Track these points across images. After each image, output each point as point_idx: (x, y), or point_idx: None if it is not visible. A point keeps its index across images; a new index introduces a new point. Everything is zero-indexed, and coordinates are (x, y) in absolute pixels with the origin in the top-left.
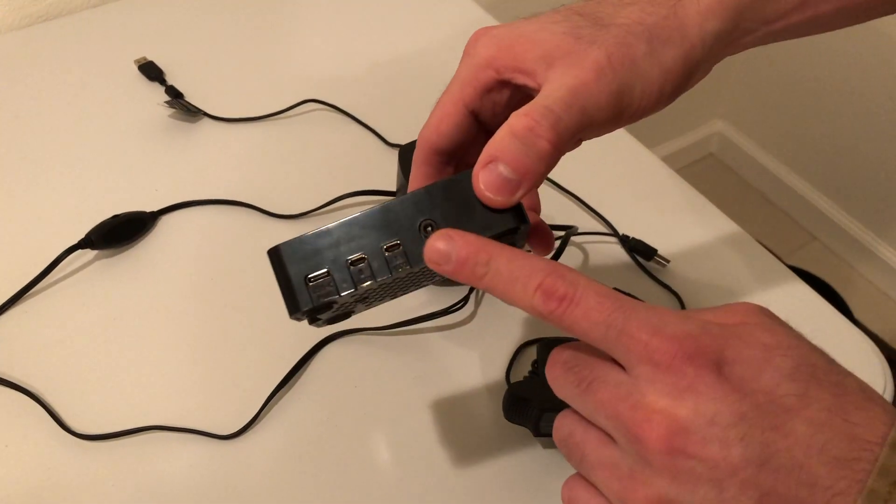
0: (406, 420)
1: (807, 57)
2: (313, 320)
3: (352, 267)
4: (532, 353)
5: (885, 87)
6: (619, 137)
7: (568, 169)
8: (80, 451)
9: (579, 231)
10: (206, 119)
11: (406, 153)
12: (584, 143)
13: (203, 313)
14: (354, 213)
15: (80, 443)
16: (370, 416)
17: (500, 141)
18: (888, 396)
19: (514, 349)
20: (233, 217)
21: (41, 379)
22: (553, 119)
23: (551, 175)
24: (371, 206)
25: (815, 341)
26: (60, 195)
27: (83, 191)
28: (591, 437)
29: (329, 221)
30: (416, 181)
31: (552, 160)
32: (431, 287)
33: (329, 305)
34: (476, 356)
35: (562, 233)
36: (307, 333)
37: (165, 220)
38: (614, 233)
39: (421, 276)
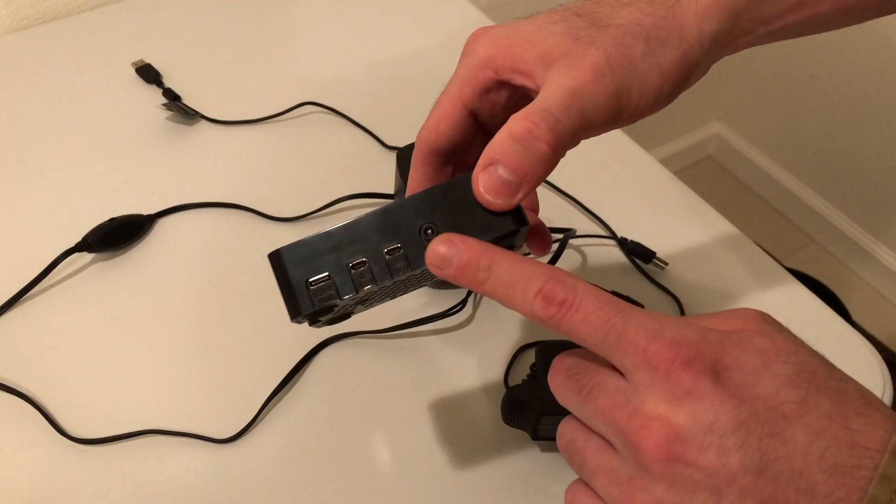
0: (404, 423)
1: (805, 59)
2: (314, 322)
3: (353, 270)
4: (530, 356)
5: (883, 89)
6: (618, 139)
7: (566, 171)
8: (76, 456)
9: (577, 234)
10: (203, 121)
11: (404, 155)
12: (582, 144)
13: (200, 317)
14: (354, 216)
15: (77, 447)
16: (368, 420)
17: (500, 144)
18: (887, 399)
19: (513, 352)
20: (230, 220)
21: (37, 382)
22: (552, 121)
23: (549, 177)
24: (371, 209)
25: (813, 344)
26: (57, 198)
27: (80, 193)
28: (591, 443)
29: (327, 224)
30: (414, 181)
31: (551, 162)
32: (429, 290)
33: (330, 308)
34: (474, 359)
35: (560, 235)
36: (305, 336)
37: (162, 223)
38: (613, 235)
39: (420, 278)
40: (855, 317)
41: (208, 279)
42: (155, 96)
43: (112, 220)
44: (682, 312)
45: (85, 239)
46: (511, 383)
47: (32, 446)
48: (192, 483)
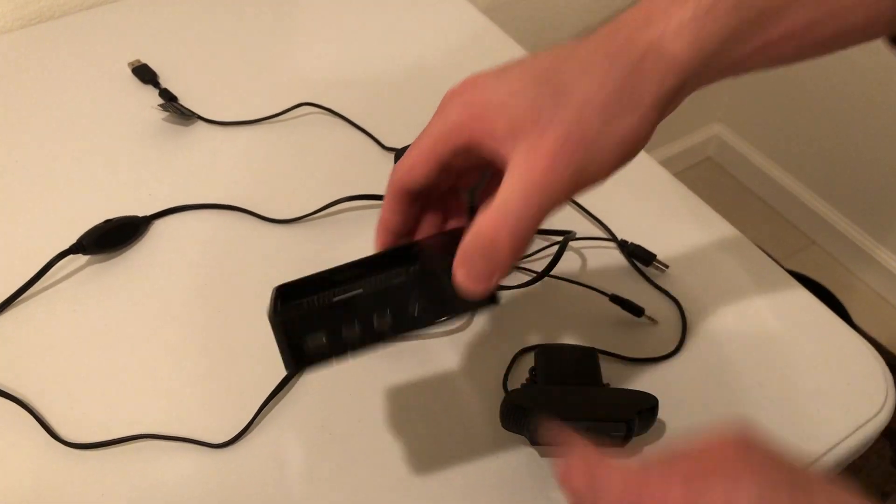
0: (402, 427)
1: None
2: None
3: (345, 334)
4: (529, 359)
5: (884, 91)
6: None
7: None
8: (70, 460)
9: (577, 236)
10: (200, 122)
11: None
12: None
13: (196, 320)
14: (350, 220)
15: (70, 451)
16: (365, 424)
17: (471, 244)
18: (889, 402)
19: (512, 356)
20: (227, 222)
21: (31, 386)
22: (512, 224)
23: None
24: (367, 277)
25: (813, 345)
26: (52, 199)
27: (75, 195)
28: None
29: (325, 227)
30: (385, 213)
31: (518, 256)
32: None
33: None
34: (473, 363)
35: (559, 238)
36: None
37: (158, 225)
38: (613, 238)
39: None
40: (855, 319)
41: (204, 282)
42: (151, 97)
43: (107, 221)
44: (683, 316)
45: (80, 241)
46: (510, 387)
47: (25, 451)
48: (187, 488)
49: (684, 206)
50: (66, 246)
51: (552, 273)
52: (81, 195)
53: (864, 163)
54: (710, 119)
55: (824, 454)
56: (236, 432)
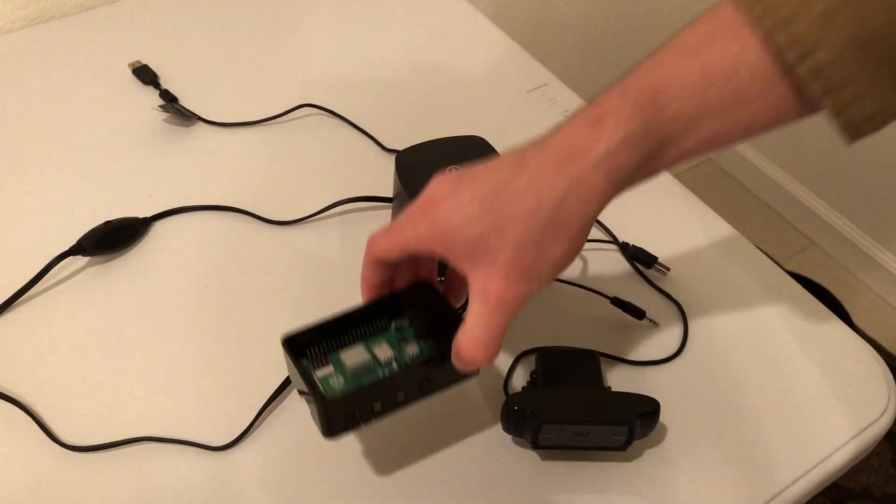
0: (402, 430)
1: None
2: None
3: (373, 409)
4: (530, 362)
5: None
6: None
7: None
8: (69, 463)
9: None
10: (200, 123)
11: (403, 159)
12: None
13: (196, 322)
14: (355, 224)
15: (70, 454)
16: (365, 428)
17: (456, 359)
18: (892, 406)
19: (513, 359)
20: (227, 223)
21: (30, 388)
22: (483, 341)
23: None
24: (390, 367)
25: (815, 347)
26: (52, 200)
27: (75, 196)
28: None
29: (325, 228)
30: (366, 274)
31: (495, 354)
32: None
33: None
34: None
35: None
36: None
37: (158, 227)
38: (614, 240)
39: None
40: (856, 320)
41: (204, 284)
42: (152, 98)
43: (107, 223)
44: (685, 319)
45: (80, 242)
46: (511, 390)
47: (24, 453)
48: (187, 491)
49: (685, 208)
50: (65, 247)
51: None
52: (81, 196)
53: (863, 164)
54: None
55: (825, 459)
56: (236, 435)
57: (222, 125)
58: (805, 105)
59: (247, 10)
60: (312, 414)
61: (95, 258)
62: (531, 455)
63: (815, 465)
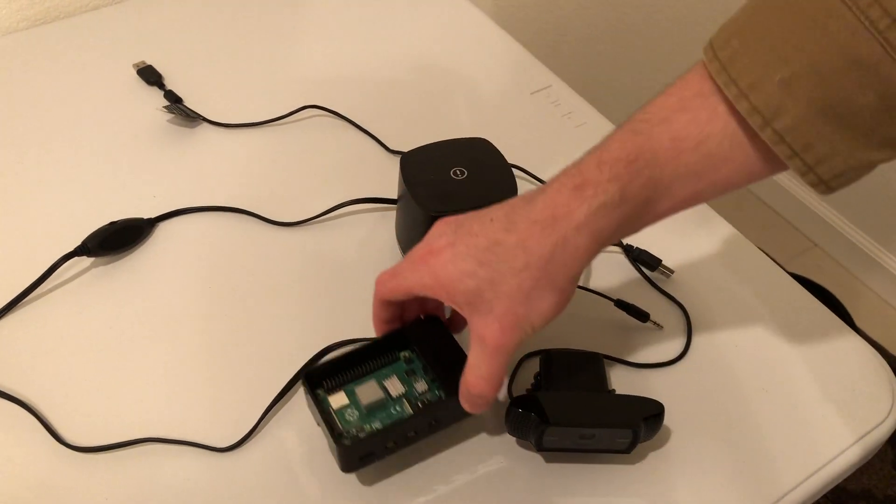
0: None
1: None
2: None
3: (386, 447)
4: (534, 365)
5: None
6: None
7: None
8: (74, 464)
9: None
10: (205, 124)
11: (408, 161)
12: (585, 154)
13: (200, 322)
14: (360, 224)
15: (75, 455)
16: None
17: (464, 395)
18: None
19: (517, 361)
20: (231, 224)
21: (35, 389)
22: (486, 378)
23: None
24: (401, 402)
25: (818, 350)
26: (56, 201)
27: (79, 196)
28: None
29: (330, 230)
30: (376, 311)
31: (498, 389)
32: None
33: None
34: None
35: None
36: (305, 343)
37: (163, 228)
38: (618, 243)
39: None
40: (858, 323)
41: (209, 285)
42: (156, 98)
43: (112, 223)
44: (689, 322)
45: (84, 243)
46: (515, 393)
47: (29, 454)
48: (191, 493)
49: (689, 211)
50: (70, 248)
51: None
52: (86, 197)
53: None
54: None
55: (829, 463)
56: (241, 436)
57: (227, 126)
58: (778, 163)
59: (252, 11)
60: (330, 446)
61: (100, 259)
62: (535, 457)
63: (819, 469)
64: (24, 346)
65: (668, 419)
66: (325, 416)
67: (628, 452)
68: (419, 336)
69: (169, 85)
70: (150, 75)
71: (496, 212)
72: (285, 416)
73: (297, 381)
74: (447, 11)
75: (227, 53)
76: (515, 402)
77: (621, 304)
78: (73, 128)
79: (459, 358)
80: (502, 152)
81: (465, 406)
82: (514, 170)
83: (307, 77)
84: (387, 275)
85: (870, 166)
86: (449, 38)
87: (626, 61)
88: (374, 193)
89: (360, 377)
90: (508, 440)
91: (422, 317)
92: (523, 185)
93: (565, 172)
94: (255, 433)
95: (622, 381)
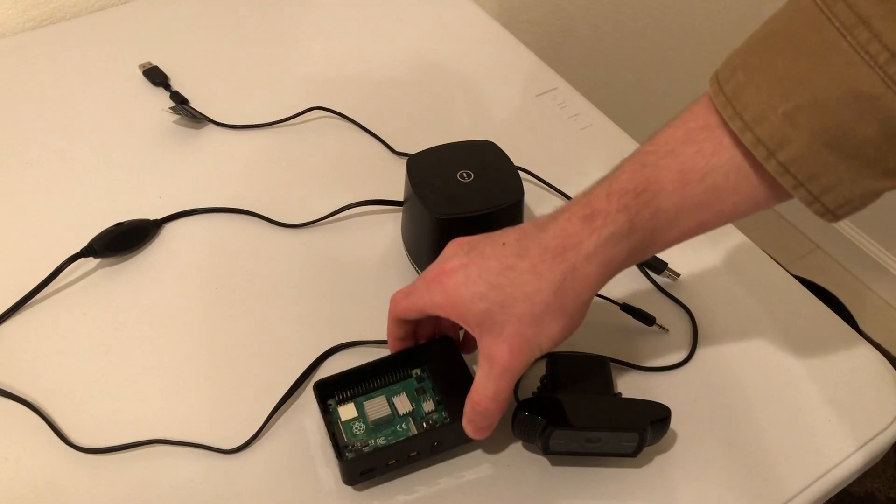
0: None
1: None
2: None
3: (388, 464)
4: (540, 368)
5: None
6: (626, 149)
7: (576, 182)
8: (80, 465)
9: None
10: (211, 125)
11: (415, 163)
12: (591, 156)
13: (206, 324)
14: (366, 227)
15: (81, 456)
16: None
17: (471, 412)
18: None
19: None
20: (237, 225)
21: (42, 390)
22: (492, 396)
23: (561, 187)
24: (406, 421)
25: (823, 353)
26: (63, 202)
27: (86, 198)
28: None
29: (335, 231)
30: (391, 329)
31: (503, 409)
32: None
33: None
34: None
35: None
36: (311, 344)
37: (169, 229)
38: None
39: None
40: (863, 326)
41: (215, 286)
42: (162, 99)
43: (118, 224)
44: (694, 324)
45: (90, 244)
46: (521, 396)
47: (36, 455)
48: (197, 495)
49: None
50: (76, 249)
51: None
52: (92, 198)
53: None
54: None
55: (834, 467)
56: (247, 438)
57: (233, 127)
58: (783, 192)
59: (258, 12)
60: (336, 455)
61: (106, 260)
62: (541, 460)
63: (824, 474)
64: (31, 346)
65: (673, 423)
66: (332, 426)
67: (634, 456)
68: (430, 356)
69: (175, 86)
70: (155, 76)
71: (508, 236)
72: (291, 418)
73: (302, 383)
74: (452, 13)
75: (233, 54)
76: (522, 405)
77: (627, 308)
78: (78, 129)
79: (466, 382)
80: (508, 154)
81: (468, 429)
82: (520, 173)
83: (313, 78)
84: (401, 294)
85: (874, 195)
86: (454, 39)
87: (632, 63)
88: (380, 195)
89: (371, 391)
90: (515, 443)
91: (436, 336)
92: (530, 188)
93: (576, 201)
94: (261, 434)
95: (628, 385)
